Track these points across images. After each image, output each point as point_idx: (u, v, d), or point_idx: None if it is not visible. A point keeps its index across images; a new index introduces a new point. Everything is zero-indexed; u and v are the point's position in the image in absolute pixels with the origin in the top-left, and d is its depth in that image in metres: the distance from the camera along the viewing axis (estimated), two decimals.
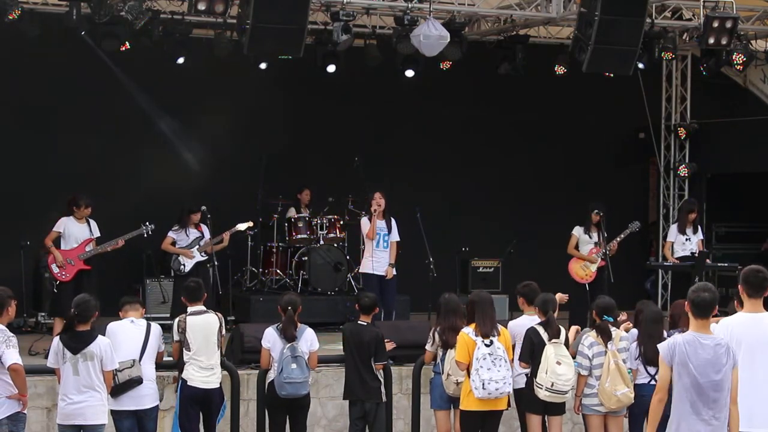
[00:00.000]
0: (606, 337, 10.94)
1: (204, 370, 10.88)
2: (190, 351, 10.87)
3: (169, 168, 17.16)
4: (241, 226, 15.50)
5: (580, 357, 10.99)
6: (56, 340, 10.08)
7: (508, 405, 10.77)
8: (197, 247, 15.26)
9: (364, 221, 15.46)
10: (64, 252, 14.11)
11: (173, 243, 15.34)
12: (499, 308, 13.36)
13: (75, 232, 14.20)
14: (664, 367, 7.89)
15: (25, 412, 9.67)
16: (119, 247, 14.34)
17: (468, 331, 10.43)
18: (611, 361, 10.84)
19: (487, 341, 10.31)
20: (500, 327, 10.58)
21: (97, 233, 14.30)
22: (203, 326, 10.95)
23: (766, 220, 19.85)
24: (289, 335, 10.96)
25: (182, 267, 15.25)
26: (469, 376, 10.37)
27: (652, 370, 11.12)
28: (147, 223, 14.54)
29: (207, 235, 15.38)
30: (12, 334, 9.60)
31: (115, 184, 16.78)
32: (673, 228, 17.02)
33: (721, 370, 7.82)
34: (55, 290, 14.21)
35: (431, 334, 11.25)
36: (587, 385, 10.97)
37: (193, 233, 15.34)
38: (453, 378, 10.75)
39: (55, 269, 14.12)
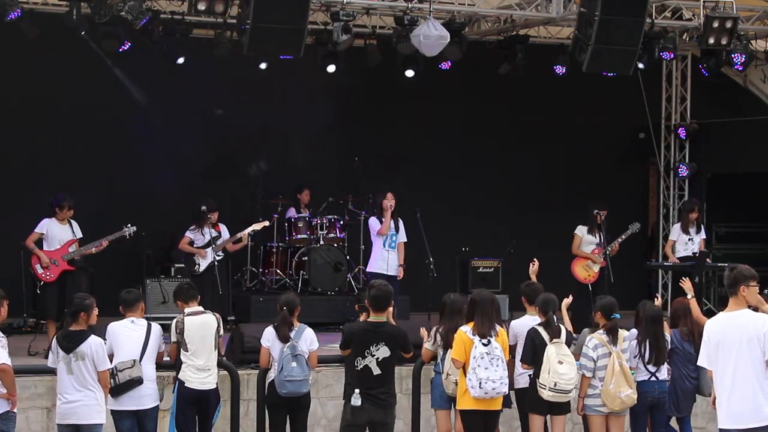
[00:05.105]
0: (615, 336, 10.94)
1: (201, 372, 10.85)
2: (187, 351, 10.84)
3: (169, 168, 17.15)
4: (258, 226, 15.39)
5: (585, 359, 10.97)
6: (54, 339, 10.10)
7: (503, 406, 10.72)
8: (212, 246, 15.09)
9: (374, 220, 15.37)
10: (47, 253, 14.01)
11: (191, 243, 15.22)
12: None
13: (57, 234, 14.06)
14: None
15: (15, 411, 9.61)
16: (103, 248, 14.15)
17: (466, 330, 10.33)
18: (616, 363, 10.83)
19: (484, 341, 10.24)
20: (498, 328, 10.45)
21: (79, 234, 14.16)
22: (201, 327, 10.92)
23: (766, 220, 19.84)
24: (281, 335, 10.84)
25: (197, 267, 15.13)
26: (465, 375, 10.32)
27: (651, 368, 11.17)
28: (128, 225, 14.32)
29: (225, 234, 15.22)
30: (2, 335, 9.57)
31: (115, 184, 16.77)
32: (676, 227, 17.04)
33: None
34: (38, 291, 14.14)
35: (432, 333, 11.22)
36: (590, 386, 10.96)
37: (210, 232, 15.15)
38: (452, 377, 10.71)
39: (39, 270, 14.00)
